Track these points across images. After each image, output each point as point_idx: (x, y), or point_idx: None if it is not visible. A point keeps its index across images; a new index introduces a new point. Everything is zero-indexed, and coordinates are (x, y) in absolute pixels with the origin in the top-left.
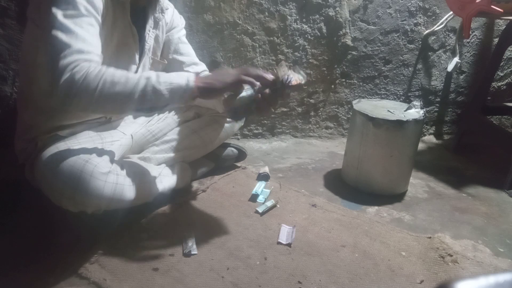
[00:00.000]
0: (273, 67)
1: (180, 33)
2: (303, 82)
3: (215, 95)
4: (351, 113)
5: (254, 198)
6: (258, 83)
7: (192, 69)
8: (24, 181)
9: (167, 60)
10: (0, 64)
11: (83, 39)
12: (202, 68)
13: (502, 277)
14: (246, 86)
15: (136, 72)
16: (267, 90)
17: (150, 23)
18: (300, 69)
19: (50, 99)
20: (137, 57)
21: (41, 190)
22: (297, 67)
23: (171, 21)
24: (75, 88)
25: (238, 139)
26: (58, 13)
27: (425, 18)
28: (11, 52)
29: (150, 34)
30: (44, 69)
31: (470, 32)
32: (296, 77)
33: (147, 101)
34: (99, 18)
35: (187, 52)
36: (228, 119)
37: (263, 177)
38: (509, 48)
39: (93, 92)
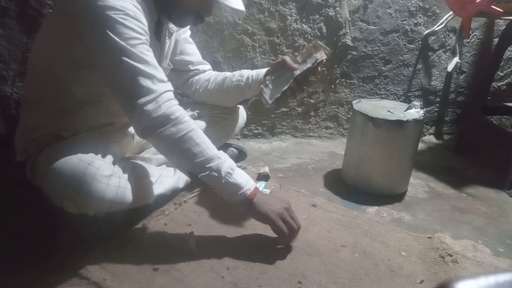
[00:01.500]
0: (309, 45)
1: (186, 34)
2: (328, 56)
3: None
4: (351, 113)
5: None
6: None
7: (200, 68)
8: (24, 181)
9: (174, 61)
10: (0, 64)
11: (155, 66)
12: (207, 67)
13: (502, 277)
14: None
15: None
16: (299, 75)
17: (165, 34)
18: (321, 43)
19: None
20: None
21: (41, 190)
22: (318, 42)
23: None
24: (153, 122)
25: (238, 139)
26: (120, 42)
27: (425, 18)
28: (11, 52)
29: (166, 46)
30: (61, 77)
31: (470, 32)
32: (323, 54)
33: (203, 177)
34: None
35: (194, 52)
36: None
37: (263, 177)
38: (509, 48)
39: (172, 140)
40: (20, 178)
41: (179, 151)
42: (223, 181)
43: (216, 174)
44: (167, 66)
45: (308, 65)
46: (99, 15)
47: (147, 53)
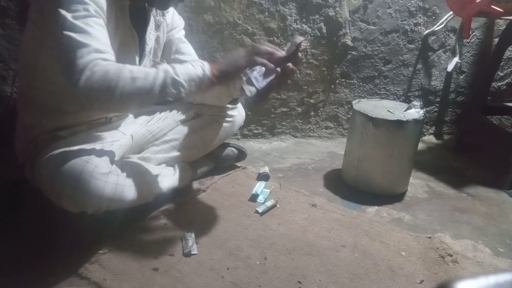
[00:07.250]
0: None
1: (180, 33)
2: (307, 43)
3: (231, 79)
4: (351, 113)
5: (254, 198)
6: (271, 65)
7: None
8: (24, 181)
9: (169, 60)
10: (0, 64)
11: (97, 38)
12: None
13: (502, 277)
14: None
15: None
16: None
17: (151, 25)
18: (297, 35)
19: (65, 101)
20: (137, 59)
21: (41, 190)
22: (295, 35)
23: (171, 22)
24: (96, 87)
25: (238, 139)
26: (68, 15)
27: (425, 18)
28: (11, 52)
29: (150, 37)
30: (45, 70)
31: (470, 32)
32: (301, 39)
33: (167, 94)
34: (105, 19)
35: (188, 52)
36: (230, 111)
37: (263, 177)
38: (509, 48)
39: (114, 89)
40: (20, 178)
41: (129, 96)
42: (185, 84)
43: (175, 85)
44: (160, 61)
45: (290, 47)
46: None
47: (96, 26)
